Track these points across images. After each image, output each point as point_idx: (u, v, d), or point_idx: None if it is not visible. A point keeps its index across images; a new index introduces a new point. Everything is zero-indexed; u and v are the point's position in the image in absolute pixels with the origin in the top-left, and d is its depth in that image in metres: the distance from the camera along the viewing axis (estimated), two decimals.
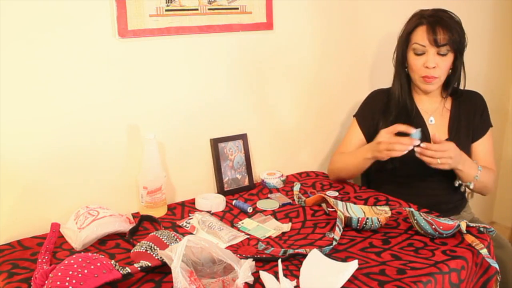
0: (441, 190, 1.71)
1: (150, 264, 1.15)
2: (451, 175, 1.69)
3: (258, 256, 1.26)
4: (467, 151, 1.67)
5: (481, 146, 1.71)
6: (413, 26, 1.64)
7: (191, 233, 1.41)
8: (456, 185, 1.67)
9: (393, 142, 1.51)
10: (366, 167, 1.66)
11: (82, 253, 1.13)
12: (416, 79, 1.67)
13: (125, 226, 1.39)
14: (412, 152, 1.65)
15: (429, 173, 1.68)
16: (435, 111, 1.73)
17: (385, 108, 1.73)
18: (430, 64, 1.60)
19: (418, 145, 1.49)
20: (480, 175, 1.59)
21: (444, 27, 1.58)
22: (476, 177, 1.59)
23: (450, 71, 1.67)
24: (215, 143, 1.69)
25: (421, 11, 1.66)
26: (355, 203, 1.55)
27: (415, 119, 1.70)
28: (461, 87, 1.74)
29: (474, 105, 1.73)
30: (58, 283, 1.02)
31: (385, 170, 1.70)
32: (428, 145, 1.49)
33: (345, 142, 1.79)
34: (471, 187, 1.62)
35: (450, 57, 1.62)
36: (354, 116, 1.81)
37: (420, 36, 1.61)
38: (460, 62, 1.66)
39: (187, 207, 1.60)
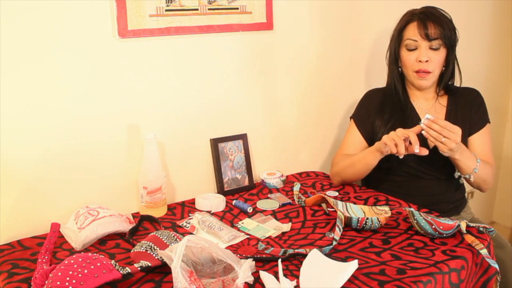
0: (439, 189, 1.71)
1: (150, 264, 1.15)
2: (449, 174, 1.69)
3: (258, 256, 1.26)
4: (464, 145, 1.67)
5: (477, 140, 1.70)
6: (404, 23, 1.67)
7: (191, 233, 1.41)
8: (456, 176, 1.67)
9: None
10: (374, 164, 1.63)
11: (82, 253, 1.13)
12: (409, 75, 1.68)
13: (125, 226, 1.39)
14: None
15: (427, 172, 1.68)
16: (430, 108, 1.73)
17: (381, 107, 1.74)
18: (423, 58, 1.61)
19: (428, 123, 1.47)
20: (479, 168, 1.58)
21: (435, 22, 1.61)
22: (475, 169, 1.58)
23: (444, 68, 1.68)
24: (215, 143, 1.69)
25: (412, 10, 1.69)
26: (355, 203, 1.55)
27: (410, 116, 1.70)
28: (457, 84, 1.74)
29: (470, 100, 1.73)
30: (58, 283, 1.02)
31: (382, 169, 1.70)
32: (437, 119, 1.46)
33: (344, 144, 1.78)
34: (471, 179, 1.61)
35: (442, 52, 1.63)
36: (351, 117, 1.80)
37: (412, 31, 1.63)
38: (452, 57, 1.66)
39: (187, 207, 1.60)
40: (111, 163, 1.52)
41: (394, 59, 1.72)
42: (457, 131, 1.46)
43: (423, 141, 1.60)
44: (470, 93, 1.75)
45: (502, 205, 2.87)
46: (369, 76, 2.07)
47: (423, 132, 1.48)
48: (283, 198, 1.66)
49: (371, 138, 1.72)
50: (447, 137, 1.45)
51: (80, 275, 1.03)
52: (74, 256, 1.09)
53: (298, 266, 1.19)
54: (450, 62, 1.66)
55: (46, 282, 1.05)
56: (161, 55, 1.54)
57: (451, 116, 1.70)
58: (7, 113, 1.33)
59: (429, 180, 1.70)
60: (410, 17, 1.66)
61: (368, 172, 1.67)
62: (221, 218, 1.51)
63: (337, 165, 1.74)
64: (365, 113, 1.76)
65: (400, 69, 1.72)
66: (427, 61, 1.62)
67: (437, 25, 1.60)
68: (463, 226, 1.32)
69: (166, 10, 1.50)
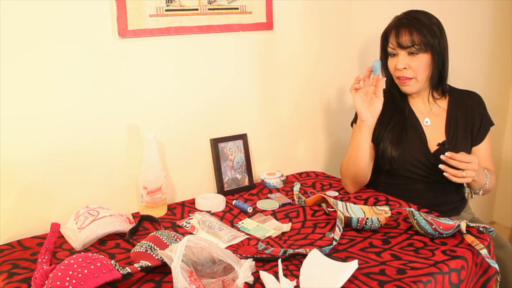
0: (440, 191, 1.71)
1: (150, 264, 1.15)
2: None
3: (258, 256, 1.26)
4: (467, 152, 1.67)
5: (481, 149, 1.71)
6: (387, 30, 1.68)
7: (191, 233, 1.41)
8: (466, 193, 1.71)
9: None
10: (367, 140, 1.61)
11: (82, 253, 1.13)
12: (395, 80, 1.69)
13: (125, 226, 1.39)
14: (409, 153, 1.66)
15: (427, 174, 1.68)
16: (429, 111, 1.72)
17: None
18: (399, 66, 1.62)
19: (445, 165, 1.49)
20: (489, 182, 1.61)
21: (408, 29, 1.59)
22: (486, 184, 1.60)
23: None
24: (215, 143, 1.69)
25: (398, 15, 1.68)
26: (355, 203, 1.55)
27: (410, 119, 1.70)
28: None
29: (472, 106, 1.71)
30: (58, 283, 1.02)
31: (383, 172, 1.70)
32: (453, 155, 1.47)
33: None
34: (480, 193, 1.64)
35: (423, 57, 1.60)
36: (352, 122, 1.79)
37: (390, 39, 1.64)
38: (436, 60, 1.62)
39: (187, 207, 1.60)
40: (111, 163, 1.52)
41: (385, 64, 1.71)
42: (473, 160, 1.47)
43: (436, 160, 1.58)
44: (471, 98, 1.73)
45: (502, 205, 2.87)
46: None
47: (444, 174, 1.49)
48: (283, 198, 1.66)
49: (375, 139, 1.71)
50: (465, 169, 1.47)
51: (80, 275, 1.03)
52: (74, 256, 1.09)
53: (298, 266, 1.19)
54: (434, 65, 1.62)
55: (46, 282, 1.05)
56: (161, 55, 1.54)
57: (452, 122, 1.69)
58: (7, 113, 1.33)
59: (429, 183, 1.69)
60: (392, 23, 1.66)
61: (366, 156, 1.63)
62: (221, 218, 1.51)
63: (345, 168, 1.69)
64: None
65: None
66: (405, 68, 1.62)
67: (409, 32, 1.58)
68: (463, 226, 1.32)
69: (166, 10, 1.50)
